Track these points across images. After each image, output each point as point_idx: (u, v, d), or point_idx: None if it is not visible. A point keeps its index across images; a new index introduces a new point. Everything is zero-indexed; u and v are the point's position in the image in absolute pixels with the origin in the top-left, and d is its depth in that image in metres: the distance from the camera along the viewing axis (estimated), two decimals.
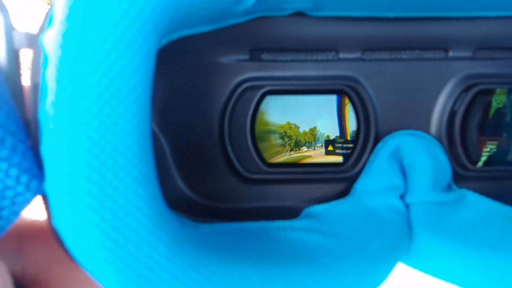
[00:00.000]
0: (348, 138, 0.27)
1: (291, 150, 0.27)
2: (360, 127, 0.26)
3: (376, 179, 0.26)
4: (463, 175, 0.26)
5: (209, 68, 0.25)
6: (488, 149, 0.27)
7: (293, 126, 0.27)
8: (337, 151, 0.27)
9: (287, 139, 0.27)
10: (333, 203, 0.26)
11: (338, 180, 0.26)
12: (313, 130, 0.27)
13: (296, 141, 0.27)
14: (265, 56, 0.26)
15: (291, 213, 0.26)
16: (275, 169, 0.26)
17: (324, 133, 0.27)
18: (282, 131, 0.27)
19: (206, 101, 0.25)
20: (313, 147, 0.27)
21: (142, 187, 0.16)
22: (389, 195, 0.26)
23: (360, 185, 0.26)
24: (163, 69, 0.22)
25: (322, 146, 0.27)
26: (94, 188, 0.14)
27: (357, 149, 0.26)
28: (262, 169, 0.26)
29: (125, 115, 0.15)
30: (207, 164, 0.26)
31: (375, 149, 0.26)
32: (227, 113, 0.25)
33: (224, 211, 0.26)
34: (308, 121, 0.27)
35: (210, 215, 0.26)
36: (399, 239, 0.25)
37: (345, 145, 0.27)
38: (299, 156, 0.27)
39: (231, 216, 0.26)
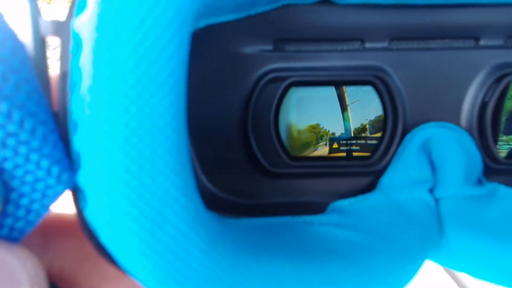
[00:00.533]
0: (351, 135, 0.26)
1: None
2: (388, 119, 0.25)
3: (404, 173, 0.25)
4: (494, 169, 0.26)
5: (233, 59, 0.24)
6: None
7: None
8: (342, 148, 0.26)
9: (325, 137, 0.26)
10: (359, 197, 0.25)
11: (365, 174, 0.26)
12: (314, 128, 0.26)
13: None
14: (288, 46, 0.25)
15: (317, 208, 0.25)
16: (300, 162, 0.26)
17: (328, 130, 0.26)
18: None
19: (229, 92, 0.25)
20: (314, 146, 0.26)
21: (180, 179, 0.15)
22: (417, 189, 0.25)
23: (387, 179, 0.25)
24: (192, 55, 0.21)
25: (326, 144, 0.26)
26: (133, 179, 0.13)
27: (384, 141, 0.25)
28: (286, 163, 0.25)
29: (163, 102, 0.14)
30: (229, 158, 0.25)
31: (403, 142, 0.25)
32: (251, 105, 0.25)
33: (248, 206, 0.26)
34: (309, 119, 0.26)
35: (233, 211, 0.25)
36: (429, 234, 0.24)
37: (349, 142, 0.26)
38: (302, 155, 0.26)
39: (255, 212, 0.26)
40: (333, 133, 0.26)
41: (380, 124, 0.26)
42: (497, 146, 0.25)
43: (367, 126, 0.26)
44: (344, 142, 0.26)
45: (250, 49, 0.24)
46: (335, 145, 0.26)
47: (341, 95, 0.26)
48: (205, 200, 0.25)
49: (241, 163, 0.25)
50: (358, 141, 0.26)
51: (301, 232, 0.22)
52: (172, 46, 0.15)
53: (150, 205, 0.14)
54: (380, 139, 0.26)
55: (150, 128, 0.14)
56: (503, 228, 0.24)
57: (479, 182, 0.25)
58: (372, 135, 0.26)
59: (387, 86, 0.25)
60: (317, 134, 0.26)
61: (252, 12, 0.22)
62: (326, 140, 0.26)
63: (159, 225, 0.14)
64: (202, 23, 0.20)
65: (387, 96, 0.25)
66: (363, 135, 0.26)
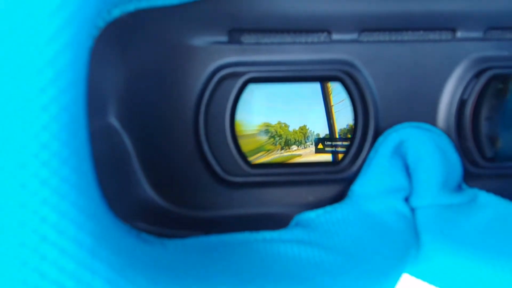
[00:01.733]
0: (336, 136, 0.23)
1: (282, 149, 0.23)
2: (358, 119, 0.23)
3: (377, 180, 0.22)
4: (474, 173, 0.23)
5: (180, 51, 0.21)
6: (501, 143, 0.24)
7: (283, 125, 0.23)
8: (327, 149, 0.24)
9: (278, 138, 0.23)
10: (327, 208, 0.22)
11: (333, 181, 0.23)
12: (303, 129, 0.23)
13: (286, 139, 0.23)
14: (246, 38, 0.22)
15: (279, 221, 0.22)
16: (260, 170, 0.23)
17: (314, 132, 0.23)
18: (273, 130, 0.23)
19: (177, 90, 0.21)
20: (303, 146, 0.23)
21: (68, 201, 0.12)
22: (392, 198, 0.22)
23: (358, 187, 0.22)
24: (121, 49, 0.18)
25: (312, 144, 0.23)
26: None
27: (354, 145, 0.23)
28: (244, 170, 0.22)
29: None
30: (180, 165, 0.22)
31: (375, 145, 0.22)
32: (203, 106, 0.22)
33: (201, 220, 0.22)
34: (298, 119, 0.23)
35: (184, 226, 0.22)
36: (405, 250, 0.21)
37: (334, 143, 0.23)
38: (290, 155, 0.24)
39: (209, 226, 0.22)
40: (318, 134, 0.23)
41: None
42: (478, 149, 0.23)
43: (353, 127, 0.23)
44: (329, 143, 0.23)
45: (199, 40, 0.21)
46: (320, 146, 0.24)
47: (326, 94, 0.23)
48: (151, 215, 0.22)
49: (194, 172, 0.22)
50: (343, 142, 0.23)
51: (258, 251, 0.19)
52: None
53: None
54: (350, 142, 0.23)
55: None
56: (485, 240, 0.21)
57: (459, 188, 0.23)
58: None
59: (356, 83, 0.22)
60: (304, 134, 0.23)
61: None
62: (311, 140, 0.23)
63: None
64: (131, 6, 0.16)
65: (356, 93, 0.22)
66: (349, 135, 0.23)
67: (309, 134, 0.23)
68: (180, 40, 0.21)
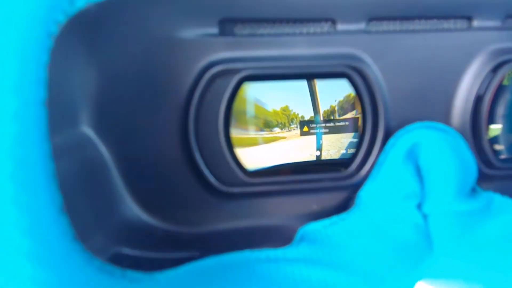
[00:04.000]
0: (320, 118, 0.21)
1: (261, 130, 0.21)
2: (366, 119, 0.20)
3: (387, 186, 0.20)
4: (488, 174, 0.22)
5: (163, 46, 0.18)
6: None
7: (260, 106, 0.20)
8: (312, 131, 0.21)
9: (253, 118, 0.21)
10: (334, 218, 0.20)
11: (339, 188, 0.21)
12: (285, 110, 0.21)
13: (266, 121, 0.21)
14: (239, 29, 0.19)
15: (283, 233, 0.20)
16: (259, 179, 0.20)
17: (297, 113, 0.21)
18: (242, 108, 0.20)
19: (161, 91, 0.18)
20: (287, 128, 0.21)
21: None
22: (403, 205, 0.20)
23: (366, 193, 0.20)
24: (91, 46, 0.15)
25: (297, 127, 0.21)
26: None
27: (362, 147, 0.20)
28: (242, 180, 0.20)
29: None
30: (168, 176, 0.19)
31: (386, 147, 0.20)
32: (192, 108, 0.19)
33: (195, 237, 0.20)
34: (278, 99, 0.20)
35: (176, 245, 0.19)
36: (418, 260, 0.20)
37: (319, 125, 0.21)
38: (272, 137, 0.21)
39: (205, 243, 0.20)
40: (302, 116, 0.21)
41: (349, 105, 0.21)
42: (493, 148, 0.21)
43: (336, 108, 0.21)
44: (314, 125, 0.21)
45: (186, 32, 0.18)
46: (305, 129, 0.21)
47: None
48: (137, 234, 0.19)
49: (184, 183, 0.20)
50: (327, 124, 0.21)
51: (264, 276, 0.17)
52: None
53: None
54: (357, 145, 0.21)
55: None
56: (501, 250, 0.20)
57: (473, 191, 0.21)
58: (341, 117, 0.21)
59: (365, 79, 0.20)
60: (287, 116, 0.21)
61: None
62: (296, 123, 0.21)
63: None
64: None
65: (365, 91, 0.20)
66: (331, 117, 0.21)
67: (294, 117, 0.21)
68: (163, 32, 0.18)
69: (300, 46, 0.19)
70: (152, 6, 0.17)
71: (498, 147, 0.22)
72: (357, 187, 0.21)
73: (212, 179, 0.19)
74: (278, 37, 0.19)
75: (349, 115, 0.21)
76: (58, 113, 0.14)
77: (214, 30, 0.18)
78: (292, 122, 0.21)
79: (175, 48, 0.18)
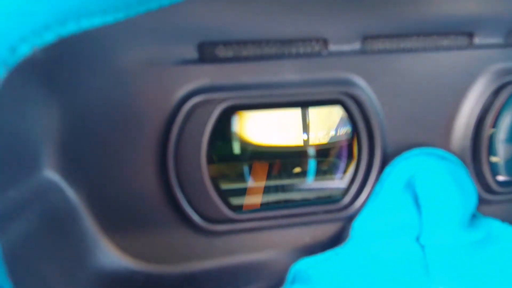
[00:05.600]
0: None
1: None
2: (362, 147, 0.19)
3: (384, 216, 0.19)
4: (487, 199, 0.20)
5: (136, 76, 0.16)
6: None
7: None
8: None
9: None
10: (328, 253, 0.19)
11: (334, 220, 0.19)
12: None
13: None
14: (221, 51, 0.17)
15: (273, 269, 0.19)
16: (247, 215, 0.19)
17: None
18: None
19: (135, 125, 0.16)
20: None
21: None
22: (400, 237, 0.19)
23: (361, 224, 0.19)
24: (54, 84, 0.13)
25: None
26: None
27: (357, 178, 0.19)
28: (228, 216, 0.18)
29: None
30: (147, 216, 0.18)
31: (382, 176, 0.19)
32: (171, 142, 0.17)
33: (178, 278, 0.18)
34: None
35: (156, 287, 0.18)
36: None
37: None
38: None
39: (188, 284, 0.18)
40: None
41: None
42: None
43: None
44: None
45: (162, 59, 0.16)
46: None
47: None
48: (117, 281, 0.18)
49: (166, 222, 0.18)
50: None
51: None
52: None
53: None
54: (353, 176, 0.19)
55: None
56: (501, 281, 0.19)
57: (473, 219, 0.20)
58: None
59: (359, 105, 0.18)
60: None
61: (154, 5, 0.13)
62: None
63: None
64: (50, 36, 0.11)
65: (359, 116, 0.18)
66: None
67: None
68: (133, 61, 0.15)
69: (288, 71, 0.17)
70: (117, 33, 0.14)
71: (499, 173, 0.21)
72: (352, 218, 0.19)
73: (195, 217, 0.18)
74: (264, 60, 0.17)
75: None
76: (11, 162, 0.13)
77: (193, 55, 0.17)
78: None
79: (149, 77, 0.16)
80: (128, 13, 0.12)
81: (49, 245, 0.14)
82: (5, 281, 0.10)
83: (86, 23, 0.11)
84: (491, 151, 0.20)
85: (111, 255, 0.17)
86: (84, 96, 0.15)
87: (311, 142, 0.19)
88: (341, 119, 0.19)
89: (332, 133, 0.19)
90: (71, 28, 0.11)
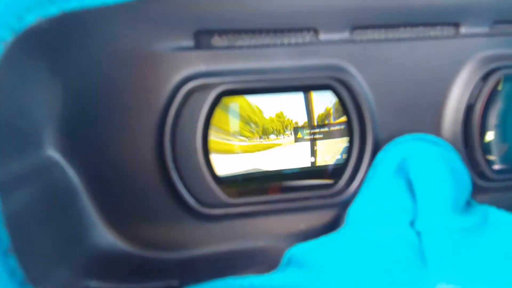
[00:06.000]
0: (314, 123, 0.20)
1: (260, 138, 0.20)
2: (354, 133, 0.19)
3: (378, 202, 0.19)
4: (482, 187, 0.21)
5: (135, 60, 0.17)
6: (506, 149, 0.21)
7: (255, 109, 0.19)
8: (306, 137, 0.20)
9: (254, 126, 0.19)
10: (323, 239, 0.19)
11: (327, 206, 0.20)
12: (280, 117, 0.20)
13: (263, 128, 0.20)
14: (216, 40, 0.18)
15: (268, 255, 0.19)
16: (242, 199, 0.19)
17: (292, 120, 0.20)
18: (246, 115, 0.19)
19: (134, 109, 0.17)
20: (282, 135, 0.20)
21: None
22: (395, 223, 0.19)
23: (356, 211, 0.19)
24: (57, 62, 0.14)
25: (291, 133, 0.20)
26: None
27: (350, 163, 0.19)
28: (223, 201, 0.19)
29: None
30: (144, 199, 0.18)
31: (375, 162, 0.19)
32: (168, 125, 0.18)
33: (173, 263, 0.19)
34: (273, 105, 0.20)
35: (152, 274, 0.18)
36: (412, 281, 0.18)
37: (313, 131, 0.20)
38: (269, 143, 0.20)
39: (184, 269, 0.19)
40: (296, 122, 0.20)
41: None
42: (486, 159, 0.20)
43: (331, 111, 0.20)
44: (308, 131, 0.20)
45: (160, 45, 0.17)
46: (299, 135, 0.20)
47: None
48: (113, 263, 0.18)
49: (161, 205, 0.18)
50: (321, 129, 0.20)
51: None
52: None
53: None
54: (345, 161, 0.20)
55: None
56: (497, 267, 0.19)
57: (467, 205, 0.20)
58: (336, 121, 0.20)
59: (350, 91, 0.19)
60: (282, 123, 0.20)
61: None
62: (290, 129, 0.20)
63: None
64: (54, 9, 0.12)
65: (351, 103, 0.19)
66: (326, 122, 0.20)
67: (288, 123, 0.20)
68: (132, 45, 0.16)
69: (281, 58, 0.18)
70: (118, 16, 0.15)
71: (492, 157, 0.21)
72: (346, 204, 0.19)
73: (191, 201, 0.18)
74: (258, 48, 0.18)
75: (345, 118, 0.20)
76: (14, 137, 0.13)
77: (190, 42, 0.17)
78: (286, 128, 0.20)
79: (148, 62, 0.17)
80: None
81: (47, 218, 0.14)
82: (3, 233, 0.10)
83: (87, 1, 0.12)
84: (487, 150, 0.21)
85: (106, 236, 0.17)
86: (86, 78, 0.16)
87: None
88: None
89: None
90: (73, 4, 0.12)
